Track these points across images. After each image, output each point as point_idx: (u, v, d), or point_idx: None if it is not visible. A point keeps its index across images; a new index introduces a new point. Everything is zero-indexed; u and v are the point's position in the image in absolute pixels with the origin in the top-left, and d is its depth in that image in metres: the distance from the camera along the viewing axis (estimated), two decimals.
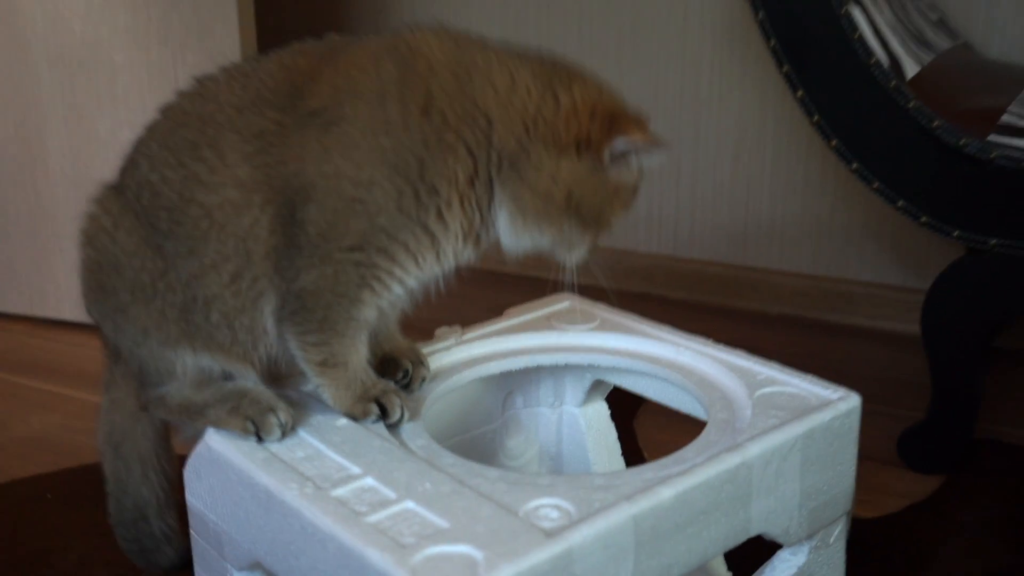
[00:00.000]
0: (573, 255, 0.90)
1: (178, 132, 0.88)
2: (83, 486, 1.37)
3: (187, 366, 0.90)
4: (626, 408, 1.47)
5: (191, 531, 0.93)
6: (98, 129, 1.81)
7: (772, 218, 1.99)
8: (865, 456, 1.38)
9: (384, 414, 0.87)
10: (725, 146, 1.99)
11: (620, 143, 0.85)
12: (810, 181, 1.93)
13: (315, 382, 0.89)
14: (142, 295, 0.89)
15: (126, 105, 1.78)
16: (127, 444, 1.03)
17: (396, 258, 0.84)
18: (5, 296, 1.97)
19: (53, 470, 1.42)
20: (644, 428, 1.48)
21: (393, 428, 0.87)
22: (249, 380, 0.91)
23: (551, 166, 0.84)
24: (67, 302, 1.92)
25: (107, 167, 1.82)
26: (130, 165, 0.93)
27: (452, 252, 0.87)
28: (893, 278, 1.91)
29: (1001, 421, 1.51)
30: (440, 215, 0.84)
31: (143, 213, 0.89)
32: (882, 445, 1.42)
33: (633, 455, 1.40)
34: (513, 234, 0.88)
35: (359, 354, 0.88)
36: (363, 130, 0.82)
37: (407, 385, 0.95)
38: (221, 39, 1.70)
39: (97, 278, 0.92)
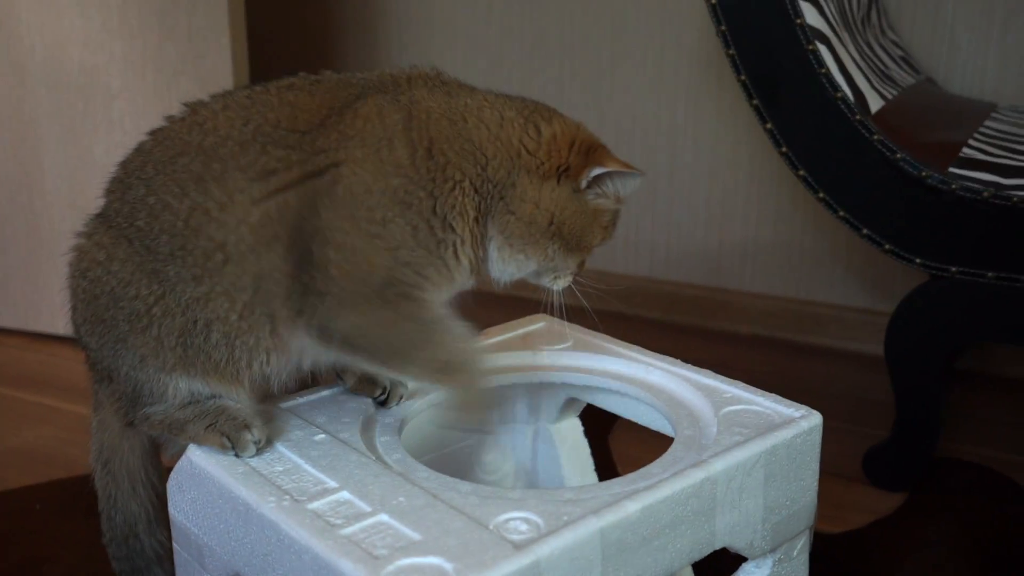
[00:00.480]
0: (558, 282, 0.95)
1: (178, 160, 0.86)
2: (74, 497, 1.36)
3: (179, 390, 0.89)
4: (601, 424, 1.47)
5: (174, 544, 0.92)
6: (94, 152, 1.80)
7: (744, 242, 1.99)
8: (832, 473, 1.40)
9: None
10: (700, 172, 2.00)
11: (596, 169, 0.89)
12: (781, 207, 1.94)
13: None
14: (139, 324, 0.87)
15: (121, 129, 1.78)
16: (115, 460, 1.01)
17: (424, 287, 0.86)
18: (1, 311, 1.96)
19: (44, 481, 1.41)
20: (618, 443, 1.48)
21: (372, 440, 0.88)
22: (233, 399, 0.89)
23: (534, 193, 0.89)
24: (61, 317, 1.89)
25: (102, 188, 1.82)
26: (120, 186, 0.91)
27: (459, 284, 0.90)
28: (860, 301, 1.92)
29: (962, 440, 1.52)
30: (455, 252, 0.87)
31: (137, 236, 0.87)
32: (848, 462, 1.42)
33: (607, 470, 1.40)
34: (501, 262, 0.91)
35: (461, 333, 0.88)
36: (373, 173, 0.84)
37: (384, 402, 0.94)
38: (214, 66, 1.70)
39: (93, 310, 0.90)
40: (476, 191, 0.87)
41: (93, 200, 1.83)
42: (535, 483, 1.15)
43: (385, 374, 0.91)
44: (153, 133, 0.92)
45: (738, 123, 1.94)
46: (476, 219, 0.87)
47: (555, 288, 0.95)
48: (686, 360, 1.90)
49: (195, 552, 0.88)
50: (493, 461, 1.16)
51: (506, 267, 0.91)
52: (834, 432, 1.54)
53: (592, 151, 0.90)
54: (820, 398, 1.69)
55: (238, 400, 0.89)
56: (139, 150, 0.92)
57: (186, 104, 0.92)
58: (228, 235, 0.84)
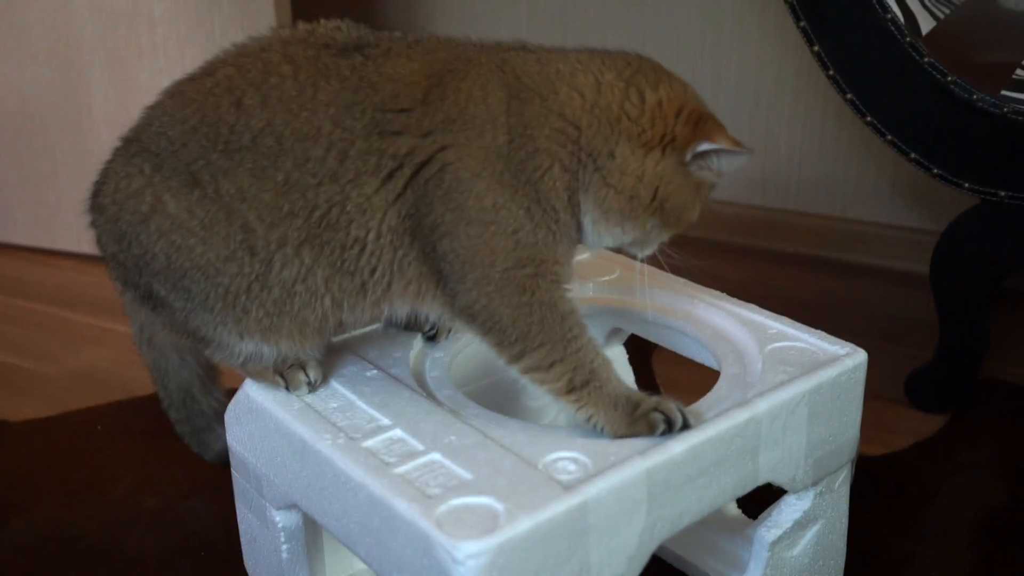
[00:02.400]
0: (646, 250, 0.89)
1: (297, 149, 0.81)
2: (132, 419, 1.40)
3: (248, 350, 0.87)
4: (645, 346, 1.48)
5: (232, 470, 0.95)
6: (139, 78, 1.81)
7: (790, 161, 1.97)
8: (875, 396, 1.39)
9: (669, 426, 0.78)
10: (745, 93, 1.97)
11: (705, 144, 0.82)
12: (827, 126, 1.91)
13: (577, 414, 0.80)
14: (230, 298, 0.83)
15: (165, 55, 1.78)
16: (158, 336, 1.02)
17: (554, 265, 0.82)
18: (55, 234, 2.00)
19: (103, 403, 1.44)
20: (662, 366, 1.49)
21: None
22: (304, 353, 0.88)
23: (637, 165, 0.82)
24: None
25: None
26: (204, 141, 0.83)
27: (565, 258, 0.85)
28: (906, 220, 1.90)
29: (1007, 361, 1.51)
30: (555, 232, 0.82)
31: (239, 211, 0.82)
32: (891, 385, 1.42)
33: (651, 392, 1.42)
34: (596, 235, 0.86)
35: (605, 363, 0.82)
36: (479, 158, 0.80)
37: (433, 336, 0.96)
38: None
39: (165, 272, 0.84)
40: (566, 170, 0.81)
41: None
42: None
43: (557, 401, 0.82)
44: (230, 90, 0.83)
45: (785, 43, 1.90)
46: (569, 198, 0.82)
47: (640, 256, 0.90)
48: (729, 279, 1.90)
49: (253, 481, 0.91)
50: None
51: (601, 240, 0.86)
52: (877, 354, 1.53)
53: (702, 122, 0.83)
54: (864, 318, 1.69)
55: (308, 353, 0.88)
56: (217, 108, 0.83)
57: (245, 51, 0.85)
58: (366, 232, 0.81)
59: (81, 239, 1.97)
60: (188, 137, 0.83)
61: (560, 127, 0.81)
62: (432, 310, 0.85)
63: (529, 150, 0.81)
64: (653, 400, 0.79)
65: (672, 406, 0.78)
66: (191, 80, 0.87)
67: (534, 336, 0.80)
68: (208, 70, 0.86)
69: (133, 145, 0.87)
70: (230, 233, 0.81)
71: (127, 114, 1.79)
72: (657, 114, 0.82)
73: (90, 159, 1.89)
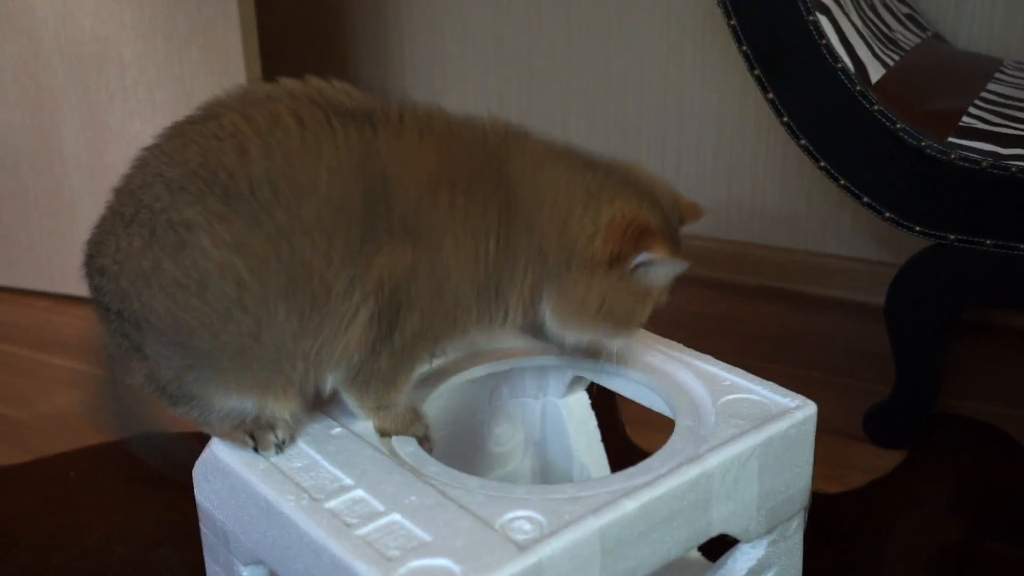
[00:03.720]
0: (614, 344, 0.97)
1: (303, 204, 0.81)
2: (105, 463, 1.40)
3: (229, 407, 0.87)
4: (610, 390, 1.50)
5: (200, 525, 0.96)
6: (109, 120, 1.82)
7: (753, 195, 2.00)
8: (833, 431, 1.43)
9: (423, 441, 0.91)
10: (708, 127, 2.00)
11: (643, 255, 0.87)
12: (789, 160, 1.94)
13: (364, 418, 0.91)
14: (229, 352, 0.83)
15: (136, 97, 1.80)
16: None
17: (464, 338, 0.91)
18: (27, 274, 2.00)
19: (76, 447, 1.44)
20: (627, 405, 1.51)
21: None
22: (282, 414, 0.89)
23: (586, 278, 0.88)
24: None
25: (119, 155, 1.85)
26: (208, 189, 0.81)
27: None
28: (868, 253, 1.93)
29: (963, 395, 1.54)
30: (505, 319, 0.90)
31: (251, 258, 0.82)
32: (849, 420, 1.45)
33: (615, 432, 1.44)
34: (557, 335, 0.93)
35: (407, 395, 0.91)
36: (468, 261, 0.86)
37: None
38: (223, 34, 1.71)
39: (182, 336, 0.83)
40: (534, 272, 0.88)
41: (110, 166, 1.87)
42: (544, 453, 1.19)
43: (356, 410, 0.92)
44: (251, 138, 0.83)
45: (745, 78, 1.93)
46: (531, 297, 0.89)
47: (611, 350, 0.98)
48: (694, 312, 1.93)
49: (221, 536, 0.92)
50: (504, 433, 1.19)
51: (562, 338, 0.94)
52: (837, 389, 1.58)
53: (644, 234, 0.87)
54: (825, 352, 1.72)
55: (287, 414, 0.89)
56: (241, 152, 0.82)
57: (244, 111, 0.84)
58: (344, 288, 0.83)
59: (55, 278, 1.98)
60: (186, 180, 0.81)
61: (536, 242, 0.87)
62: (337, 373, 0.88)
63: (510, 257, 0.87)
64: (420, 430, 0.92)
65: (429, 438, 0.92)
66: (192, 123, 0.85)
67: (387, 382, 0.89)
68: (211, 114, 0.85)
69: (129, 204, 0.84)
70: (225, 291, 0.81)
71: (99, 156, 1.84)
72: (608, 232, 0.87)
73: (62, 200, 1.91)
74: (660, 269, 0.89)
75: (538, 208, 0.87)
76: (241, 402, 0.86)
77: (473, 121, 0.90)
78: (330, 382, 0.89)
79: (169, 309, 0.82)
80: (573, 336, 0.93)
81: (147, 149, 0.86)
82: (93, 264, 0.88)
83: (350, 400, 0.91)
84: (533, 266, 0.88)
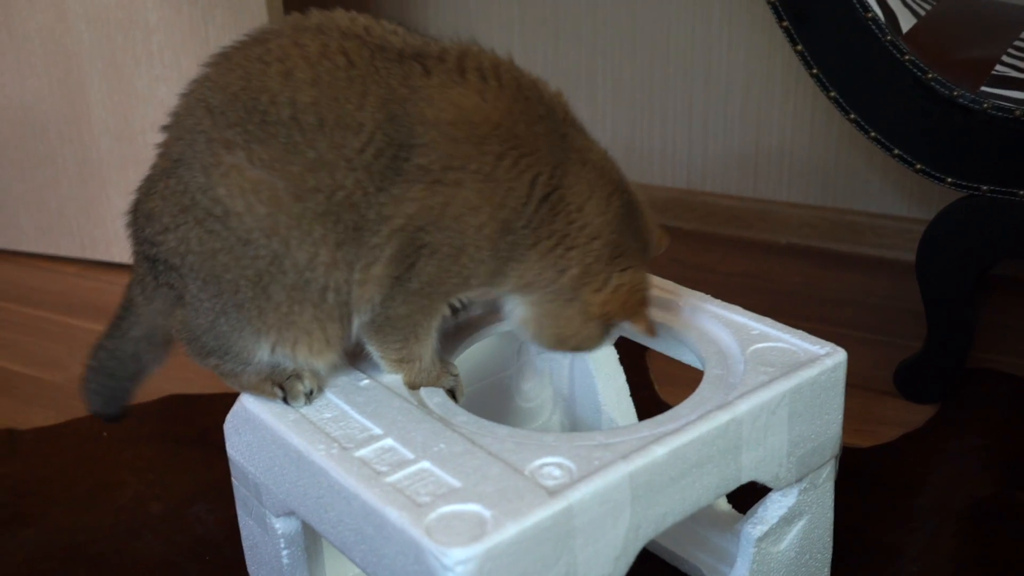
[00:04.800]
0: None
1: (348, 137, 0.82)
2: (137, 424, 1.41)
3: (260, 359, 0.88)
4: (639, 345, 1.50)
5: (232, 479, 0.97)
6: (136, 85, 1.83)
7: (781, 152, 1.99)
8: (865, 387, 1.42)
9: (451, 393, 0.93)
10: (735, 83, 1.98)
11: (627, 324, 0.93)
12: (817, 117, 1.92)
13: (390, 372, 0.92)
14: (257, 285, 0.84)
15: (161, 62, 1.80)
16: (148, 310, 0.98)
17: (467, 294, 0.94)
18: (58, 241, 2.02)
19: None
20: (654, 361, 1.51)
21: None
22: (316, 366, 0.89)
23: (580, 319, 0.91)
24: (116, 245, 1.96)
25: (146, 120, 1.86)
26: (266, 127, 0.81)
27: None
28: (897, 209, 1.91)
29: (995, 350, 1.53)
30: (500, 290, 0.92)
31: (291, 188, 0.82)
32: (880, 375, 1.45)
33: (644, 387, 1.44)
34: (525, 334, 0.96)
35: (432, 349, 0.92)
36: (489, 224, 0.84)
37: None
38: None
39: (206, 264, 0.84)
40: (538, 278, 0.90)
41: (138, 131, 1.88)
42: (572, 409, 1.19)
43: (380, 362, 0.92)
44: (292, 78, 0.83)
45: (773, 36, 1.91)
46: (526, 287, 0.90)
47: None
48: (723, 271, 1.92)
49: (253, 489, 0.93)
50: (532, 388, 1.20)
51: (525, 334, 0.96)
52: (867, 344, 1.57)
53: (638, 308, 0.91)
54: (855, 309, 1.71)
55: (321, 365, 0.89)
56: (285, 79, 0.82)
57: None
58: (378, 224, 0.84)
59: (84, 245, 2.00)
60: (227, 104, 0.82)
61: (558, 260, 0.88)
62: (362, 315, 0.88)
63: (529, 242, 0.87)
64: (446, 381, 0.93)
65: (458, 386, 0.94)
66: (238, 48, 0.85)
67: (407, 331, 0.89)
68: (260, 39, 0.85)
69: (172, 135, 0.85)
70: (258, 210, 0.81)
71: (125, 121, 1.84)
72: (612, 297, 0.90)
73: (91, 166, 1.92)
74: (630, 333, 0.96)
75: (579, 229, 0.88)
76: (272, 351, 0.87)
77: (540, 85, 0.89)
78: (356, 327, 0.89)
79: (201, 239, 0.82)
80: (529, 339, 0.96)
81: (195, 79, 0.86)
82: (141, 210, 0.88)
83: (373, 351, 0.91)
84: (543, 267, 0.88)
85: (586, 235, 0.87)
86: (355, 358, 0.94)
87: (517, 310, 0.93)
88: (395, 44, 0.85)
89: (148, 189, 0.87)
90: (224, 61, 0.85)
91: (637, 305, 0.91)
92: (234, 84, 0.82)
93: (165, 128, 0.87)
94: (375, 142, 0.81)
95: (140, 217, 0.88)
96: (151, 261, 0.88)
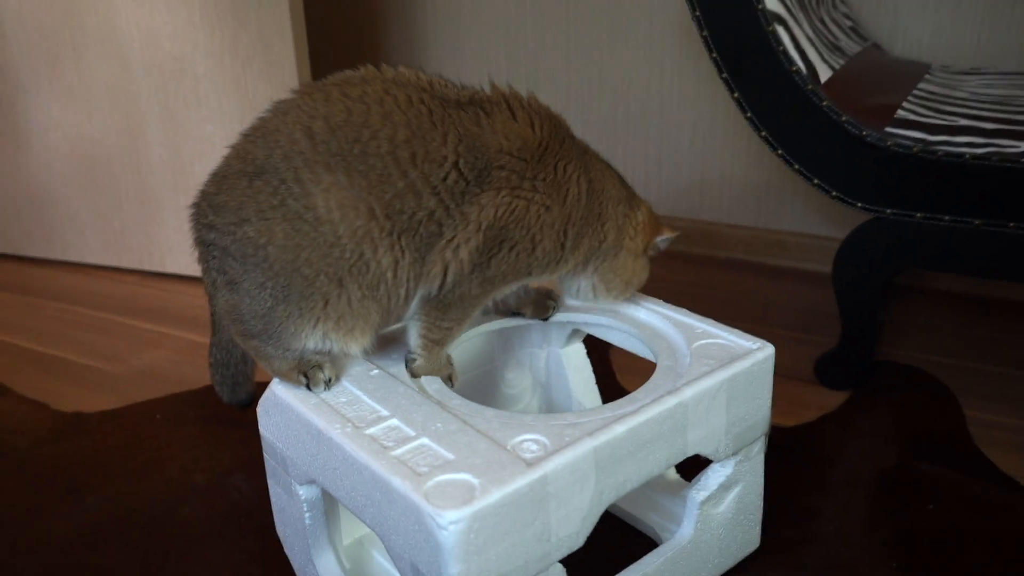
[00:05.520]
0: (617, 303, 1.04)
1: (436, 154, 0.83)
2: (185, 409, 1.41)
3: (302, 346, 0.86)
4: (604, 343, 1.50)
5: (264, 453, 0.96)
6: (186, 125, 1.82)
7: (722, 182, 1.99)
8: (789, 376, 1.42)
9: (447, 381, 0.92)
10: (685, 124, 1.99)
11: (660, 238, 1.00)
12: (752, 151, 1.93)
13: (416, 352, 0.90)
14: (336, 280, 0.82)
15: (207, 106, 1.79)
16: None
17: (526, 281, 0.96)
18: (120, 254, 2.01)
19: (161, 396, 1.45)
20: (616, 356, 1.51)
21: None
22: (351, 351, 0.88)
23: (631, 261, 0.99)
24: (169, 258, 1.95)
25: (194, 154, 1.85)
26: (356, 149, 0.81)
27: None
28: (817, 229, 1.92)
29: (899, 345, 1.53)
30: (555, 273, 0.95)
31: (378, 201, 0.82)
32: (803, 367, 1.45)
33: (608, 376, 1.44)
34: (578, 292, 1.01)
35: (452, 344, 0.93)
36: (557, 220, 0.89)
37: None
38: (280, 53, 1.70)
39: (289, 260, 0.81)
40: (590, 251, 0.95)
41: (187, 163, 1.87)
42: (549, 395, 1.19)
43: (416, 339, 0.91)
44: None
45: (715, 84, 1.91)
46: (580, 264, 0.96)
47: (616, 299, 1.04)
48: (673, 280, 1.91)
49: (280, 461, 0.92)
50: (514, 378, 1.19)
51: (582, 296, 1.01)
52: (793, 341, 1.57)
53: (657, 225, 1.00)
54: (782, 312, 1.71)
55: (359, 350, 0.87)
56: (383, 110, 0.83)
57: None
58: (454, 232, 0.85)
59: (142, 258, 1.99)
60: (329, 133, 0.81)
61: (600, 229, 0.95)
62: (429, 289, 0.87)
63: (583, 226, 0.92)
64: (448, 372, 0.92)
65: (454, 377, 0.93)
66: (337, 85, 0.84)
67: (461, 313, 0.90)
68: (354, 82, 0.85)
69: (260, 149, 0.82)
70: (356, 223, 0.81)
71: (177, 155, 1.84)
72: (642, 228, 0.99)
73: (148, 192, 1.91)
74: (663, 243, 1.01)
75: (606, 203, 0.95)
76: (325, 337, 0.85)
77: (554, 112, 0.94)
78: (414, 303, 0.88)
79: (287, 234, 0.80)
80: (604, 300, 1.01)
81: (285, 101, 0.85)
82: (211, 202, 0.84)
83: (419, 327, 0.90)
84: (591, 243, 0.94)
85: (611, 205, 0.95)
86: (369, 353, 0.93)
87: (582, 285, 0.99)
88: (452, 95, 0.87)
89: (219, 184, 0.84)
90: (321, 93, 0.83)
91: (656, 223, 1.00)
92: (336, 116, 0.81)
93: (247, 136, 0.84)
94: (456, 170, 0.83)
95: (207, 207, 0.84)
96: (206, 245, 0.85)
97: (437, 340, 0.90)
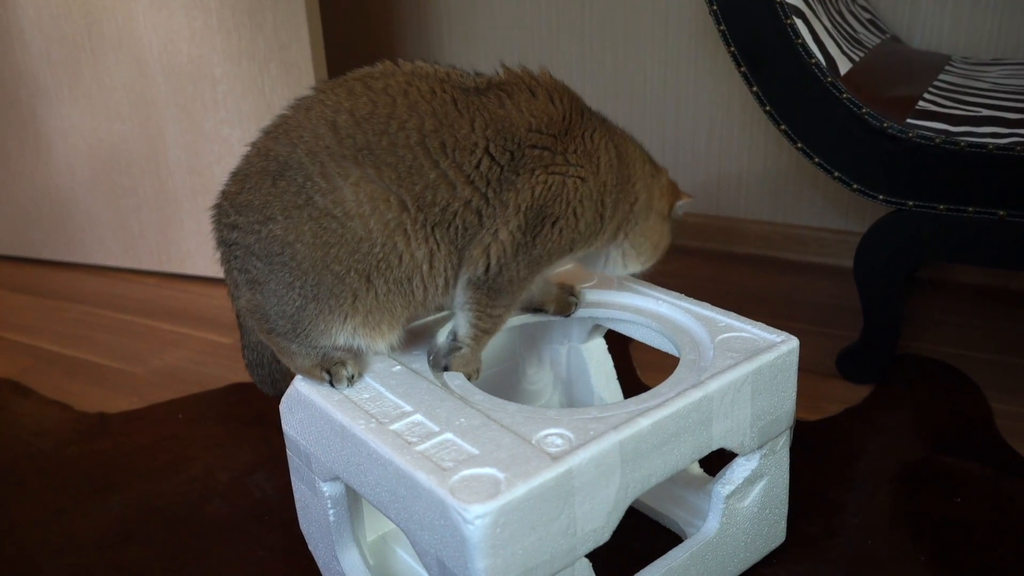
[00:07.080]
0: (639, 272, 1.02)
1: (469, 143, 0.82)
2: (206, 408, 1.41)
3: (329, 343, 0.85)
4: (623, 337, 1.49)
5: (287, 450, 0.96)
6: (204, 127, 1.83)
7: (739, 177, 1.98)
8: (812, 370, 1.41)
9: (470, 377, 0.91)
10: (701, 121, 1.98)
11: (681, 202, 0.99)
12: (769, 147, 1.92)
13: (465, 342, 0.89)
14: (365, 275, 0.81)
15: (225, 108, 1.80)
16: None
17: (569, 259, 0.95)
18: (140, 257, 2.02)
19: (183, 396, 1.46)
20: (636, 352, 1.50)
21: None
22: (378, 348, 0.87)
23: (659, 225, 0.97)
24: (188, 260, 1.96)
25: (212, 156, 1.85)
26: (389, 145, 0.80)
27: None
28: (837, 224, 1.90)
29: (921, 339, 1.52)
30: (591, 245, 0.93)
31: (410, 197, 0.81)
32: (825, 361, 1.44)
33: (628, 373, 1.43)
34: (618, 264, 0.98)
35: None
36: (598, 189, 0.89)
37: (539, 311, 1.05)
38: (296, 54, 1.70)
39: (319, 258, 0.80)
40: (622, 218, 0.94)
41: (206, 166, 1.88)
42: (569, 391, 1.18)
43: (466, 330, 0.90)
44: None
45: (732, 78, 1.90)
46: (615, 232, 0.95)
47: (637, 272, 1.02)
48: (692, 276, 1.91)
49: (304, 459, 0.92)
50: (535, 374, 1.19)
51: (614, 267, 0.99)
52: (814, 336, 1.56)
53: (677, 190, 1.00)
54: (803, 307, 1.70)
55: (385, 346, 0.87)
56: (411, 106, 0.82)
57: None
58: (493, 220, 0.84)
59: (162, 260, 1.99)
60: (355, 127, 0.80)
61: (631, 194, 0.94)
62: (475, 271, 0.86)
63: (617, 194, 0.91)
64: (475, 367, 0.91)
65: (474, 374, 0.91)
66: (359, 80, 0.84)
67: (510, 298, 0.88)
68: (376, 75, 0.84)
69: (283, 145, 0.81)
70: (387, 216, 0.80)
71: (196, 157, 1.84)
72: (667, 193, 0.98)
73: (167, 195, 1.91)
74: (681, 208, 1.00)
75: (633, 164, 0.93)
76: (354, 333, 0.84)
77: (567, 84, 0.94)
78: (459, 296, 0.88)
79: (315, 232, 0.79)
80: (636, 268, 0.99)
81: (306, 97, 0.84)
82: (233, 201, 0.83)
83: (468, 314, 0.88)
84: (624, 207, 0.93)
85: (639, 165, 0.94)
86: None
87: (611, 254, 0.97)
88: (470, 83, 0.86)
89: (242, 183, 0.83)
90: (345, 90, 0.82)
91: (675, 188, 0.99)
92: (362, 109, 0.80)
93: (269, 133, 0.83)
94: (488, 155, 0.83)
95: (229, 207, 0.83)
96: (228, 246, 0.84)
97: (487, 329, 0.89)
